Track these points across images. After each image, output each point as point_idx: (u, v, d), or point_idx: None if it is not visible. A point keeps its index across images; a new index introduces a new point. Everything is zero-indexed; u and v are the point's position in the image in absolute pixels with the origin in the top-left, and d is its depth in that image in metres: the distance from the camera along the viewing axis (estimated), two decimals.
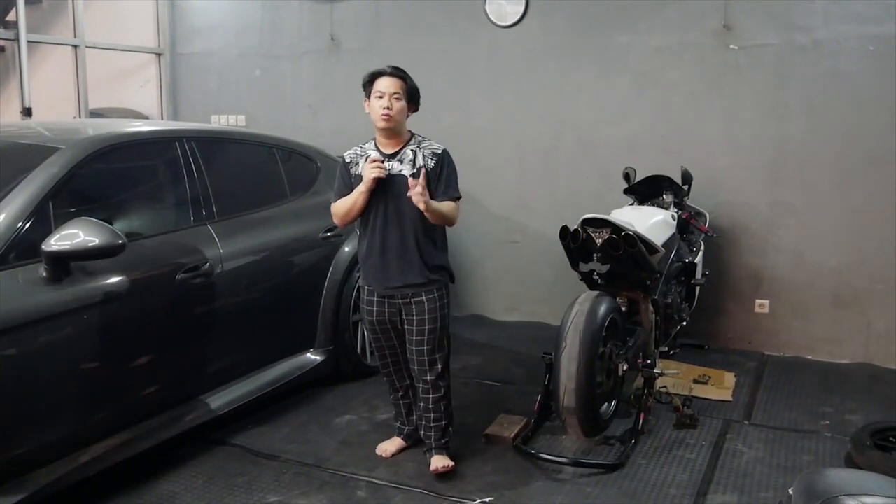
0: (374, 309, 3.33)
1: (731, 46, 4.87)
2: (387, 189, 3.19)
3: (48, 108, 5.75)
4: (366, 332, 3.38)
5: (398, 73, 3.21)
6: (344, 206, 3.26)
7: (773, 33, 4.76)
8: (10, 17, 5.49)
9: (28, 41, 5.45)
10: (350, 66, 5.88)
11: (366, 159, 3.20)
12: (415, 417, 3.52)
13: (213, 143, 3.94)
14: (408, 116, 3.26)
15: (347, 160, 3.32)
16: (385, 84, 3.16)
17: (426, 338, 3.27)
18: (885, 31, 4.50)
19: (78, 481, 2.98)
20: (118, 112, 6.50)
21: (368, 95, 3.21)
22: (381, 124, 3.17)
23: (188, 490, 3.22)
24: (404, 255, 3.22)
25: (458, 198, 3.27)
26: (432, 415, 3.37)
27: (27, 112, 5.45)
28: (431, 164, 3.21)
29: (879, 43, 4.53)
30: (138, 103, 6.62)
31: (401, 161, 3.22)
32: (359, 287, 4.27)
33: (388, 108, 3.13)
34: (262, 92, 6.25)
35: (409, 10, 5.69)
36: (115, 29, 6.35)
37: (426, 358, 3.29)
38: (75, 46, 5.87)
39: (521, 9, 5.34)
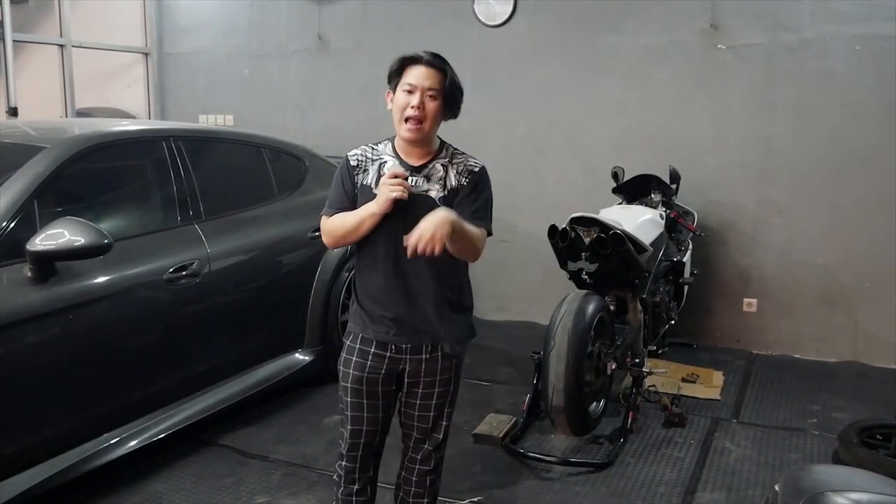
0: (368, 363, 2.42)
1: (719, 46, 4.88)
2: (406, 212, 2.28)
3: (34, 107, 5.71)
4: (341, 395, 2.49)
5: (438, 62, 2.35)
6: (343, 226, 2.37)
7: (761, 33, 4.78)
8: None
9: (14, 40, 5.42)
10: (338, 65, 5.89)
11: (379, 167, 2.38)
12: None
13: (200, 143, 3.92)
14: (440, 123, 2.39)
15: (353, 163, 2.41)
16: (419, 75, 2.31)
17: (434, 402, 2.50)
18: (872, 31, 4.53)
19: (64, 482, 2.96)
20: (105, 112, 6.46)
21: (394, 88, 2.35)
22: (406, 135, 2.32)
23: (176, 490, 3.21)
24: (436, 299, 2.39)
25: (489, 234, 2.42)
26: (413, 489, 2.59)
27: (13, 112, 5.42)
28: (465, 182, 2.38)
29: (866, 42, 4.56)
30: (125, 103, 6.59)
31: (428, 178, 2.37)
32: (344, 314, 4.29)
33: (417, 109, 2.28)
34: (251, 91, 6.23)
35: (397, 9, 5.68)
36: (102, 28, 6.32)
37: (429, 425, 2.52)
38: (61, 46, 5.84)
39: (510, 8, 5.35)
